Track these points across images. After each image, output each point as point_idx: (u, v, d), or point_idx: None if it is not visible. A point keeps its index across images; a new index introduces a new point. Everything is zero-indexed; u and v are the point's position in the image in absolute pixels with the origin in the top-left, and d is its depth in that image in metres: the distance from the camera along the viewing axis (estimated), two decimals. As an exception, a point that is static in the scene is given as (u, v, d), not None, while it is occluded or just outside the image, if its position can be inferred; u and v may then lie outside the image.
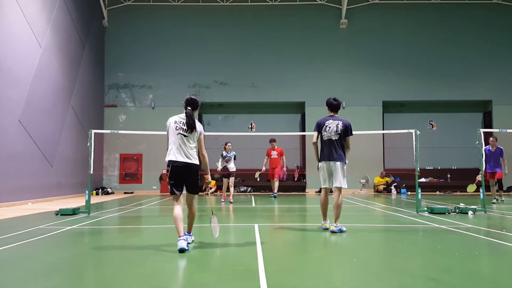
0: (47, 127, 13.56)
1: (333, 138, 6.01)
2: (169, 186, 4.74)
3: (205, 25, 19.32)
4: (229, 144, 12.15)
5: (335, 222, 5.90)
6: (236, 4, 19.42)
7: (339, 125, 6.03)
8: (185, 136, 4.69)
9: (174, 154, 4.65)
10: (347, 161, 6.08)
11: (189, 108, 4.78)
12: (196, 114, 4.91)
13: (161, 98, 18.89)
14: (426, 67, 19.03)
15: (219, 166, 12.01)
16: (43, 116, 13.25)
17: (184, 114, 4.76)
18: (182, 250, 4.39)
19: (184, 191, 4.75)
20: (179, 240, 4.47)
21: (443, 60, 19.07)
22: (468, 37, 19.20)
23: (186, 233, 4.74)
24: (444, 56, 19.10)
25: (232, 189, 12.04)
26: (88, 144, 8.72)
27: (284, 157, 14.28)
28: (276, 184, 14.21)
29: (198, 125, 4.77)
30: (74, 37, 15.90)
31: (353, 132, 6.14)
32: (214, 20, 19.41)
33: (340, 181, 6.00)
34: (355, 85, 18.88)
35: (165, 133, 4.82)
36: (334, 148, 5.98)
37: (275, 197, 13.88)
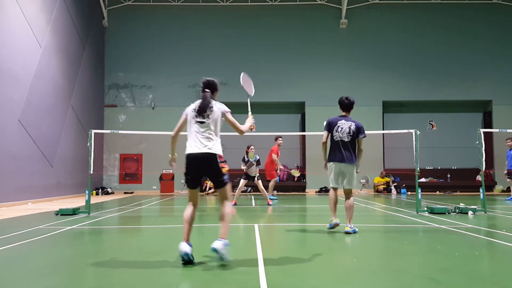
0: (47, 127, 13.56)
1: (345, 140, 5.82)
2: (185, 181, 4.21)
3: (205, 25, 19.32)
4: (252, 147, 11.19)
5: (349, 223, 5.81)
6: (236, 4, 19.43)
7: (352, 127, 5.85)
8: (201, 123, 4.11)
9: (190, 146, 4.09)
10: (358, 170, 5.93)
11: (207, 90, 4.21)
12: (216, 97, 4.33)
13: (161, 98, 18.89)
14: (426, 67, 19.05)
15: (244, 168, 11.20)
16: (43, 116, 13.25)
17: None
18: (184, 255, 3.91)
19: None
20: (180, 243, 3.99)
21: (443, 60, 19.09)
22: (468, 37, 19.22)
23: (219, 238, 3.95)
24: (444, 56, 19.11)
25: (263, 192, 11.23)
26: (88, 144, 8.72)
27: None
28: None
29: (217, 107, 4.16)
30: (74, 37, 15.90)
31: None
32: (214, 20, 19.42)
33: (351, 183, 5.90)
34: (355, 85, 18.88)
35: (169, 133, 4.39)
36: (346, 150, 5.81)
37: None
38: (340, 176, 5.92)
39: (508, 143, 12.96)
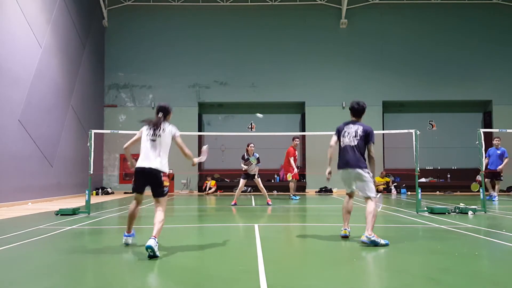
0: (47, 127, 13.56)
1: (352, 144, 5.37)
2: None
3: (205, 25, 19.32)
4: (251, 145, 11.15)
5: (367, 231, 5.03)
6: (236, 4, 19.42)
7: (358, 130, 5.40)
8: (153, 141, 4.78)
9: (140, 160, 4.77)
10: (370, 173, 5.34)
11: (160, 113, 4.90)
12: (173, 121, 5.05)
13: (161, 98, 18.84)
14: (426, 67, 19.04)
15: (243, 167, 11.16)
16: (43, 116, 13.25)
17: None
18: (125, 245, 4.97)
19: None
20: (123, 236, 5.04)
21: (443, 60, 19.07)
22: (468, 37, 19.20)
23: (153, 236, 4.34)
24: (444, 56, 19.10)
25: (263, 191, 11.23)
26: (88, 144, 8.72)
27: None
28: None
29: (169, 129, 4.82)
30: (74, 37, 15.90)
31: None
32: (214, 20, 19.41)
33: (365, 190, 5.30)
34: (355, 85, 18.88)
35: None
36: (352, 154, 5.33)
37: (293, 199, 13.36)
38: (349, 183, 5.47)
39: (495, 142, 12.84)
